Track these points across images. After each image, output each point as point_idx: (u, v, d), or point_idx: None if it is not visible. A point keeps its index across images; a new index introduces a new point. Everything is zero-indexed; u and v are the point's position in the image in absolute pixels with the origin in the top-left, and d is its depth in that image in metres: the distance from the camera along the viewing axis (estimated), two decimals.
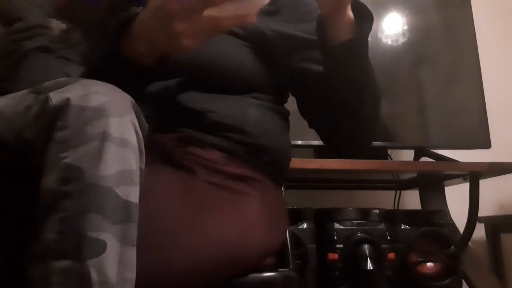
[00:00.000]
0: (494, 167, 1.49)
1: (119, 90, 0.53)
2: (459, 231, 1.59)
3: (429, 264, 1.49)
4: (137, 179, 0.49)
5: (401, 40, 1.73)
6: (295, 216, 1.42)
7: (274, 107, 0.79)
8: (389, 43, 1.72)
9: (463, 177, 1.63)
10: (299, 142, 1.55)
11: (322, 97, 0.78)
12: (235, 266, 0.64)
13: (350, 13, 0.70)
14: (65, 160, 0.45)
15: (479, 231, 1.87)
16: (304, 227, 1.42)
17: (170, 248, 0.56)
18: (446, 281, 1.45)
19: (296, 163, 1.41)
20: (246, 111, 0.73)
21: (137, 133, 0.50)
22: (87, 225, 0.43)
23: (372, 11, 0.74)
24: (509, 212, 2.01)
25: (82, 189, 0.44)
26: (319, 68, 0.77)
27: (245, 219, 0.65)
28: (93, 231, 0.44)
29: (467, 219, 1.57)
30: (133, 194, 0.47)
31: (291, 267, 0.79)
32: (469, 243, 1.61)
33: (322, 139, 0.87)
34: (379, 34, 1.72)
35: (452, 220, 1.58)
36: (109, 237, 0.44)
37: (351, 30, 0.71)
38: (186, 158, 0.65)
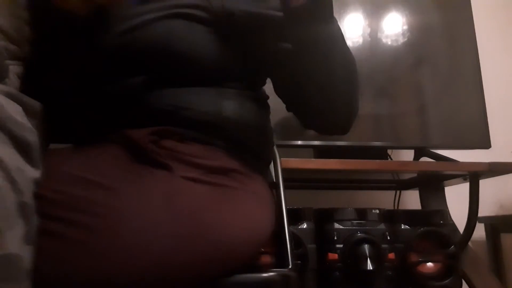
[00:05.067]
0: (494, 167, 1.49)
1: None
2: (459, 231, 1.59)
3: (429, 264, 1.49)
4: (2, 224, 0.40)
5: (401, 40, 1.73)
6: (295, 216, 1.42)
7: (251, 94, 0.77)
8: (389, 43, 1.72)
9: (463, 177, 1.62)
10: (299, 142, 1.55)
11: (295, 74, 0.77)
12: (220, 261, 0.63)
13: None
14: None
15: (479, 231, 1.87)
16: (304, 227, 1.42)
17: (142, 249, 0.54)
18: (446, 281, 1.45)
19: (296, 163, 1.41)
20: (222, 103, 0.71)
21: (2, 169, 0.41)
22: None
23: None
24: (509, 212, 2.01)
25: None
26: (289, 45, 0.76)
27: (224, 212, 0.64)
28: None
29: (467, 219, 1.57)
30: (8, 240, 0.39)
31: (291, 267, 0.79)
32: (469, 243, 1.61)
33: (299, 119, 0.85)
34: (379, 34, 1.72)
35: (452, 220, 1.58)
36: None
37: None
38: (162, 153, 0.63)
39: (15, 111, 0.45)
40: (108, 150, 0.63)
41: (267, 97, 0.83)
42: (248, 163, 0.72)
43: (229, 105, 0.71)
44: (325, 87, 0.75)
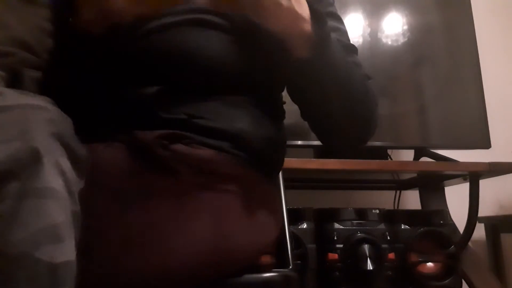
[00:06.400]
0: (494, 167, 1.49)
1: (37, 112, 0.44)
2: (459, 231, 1.59)
3: (429, 264, 1.49)
4: (65, 232, 0.42)
5: (401, 40, 1.73)
6: (295, 216, 1.42)
7: (266, 103, 0.76)
8: (389, 43, 1.72)
9: (463, 177, 1.63)
10: (299, 142, 1.55)
11: (300, 96, 0.77)
12: (220, 266, 0.63)
13: (305, 27, 0.67)
14: None
15: (479, 231, 1.87)
16: (304, 227, 1.42)
17: (144, 252, 0.55)
18: (446, 281, 1.46)
19: (296, 163, 1.41)
20: (236, 113, 0.70)
21: (63, 174, 0.43)
22: None
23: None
24: (509, 212, 2.01)
25: None
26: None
27: (230, 219, 0.64)
28: None
29: (467, 219, 1.57)
30: (60, 253, 0.41)
31: (291, 267, 0.79)
32: (469, 243, 1.61)
33: (312, 130, 0.84)
34: (379, 34, 1.72)
35: (452, 220, 1.58)
36: None
37: (308, 44, 0.68)
38: (171, 158, 0.62)
39: (69, 124, 0.47)
40: (114, 151, 0.63)
41: (284, 102, 0.82)
42: (257, 170, 0.71)
43: (242, 114, 0.70)
44: (327, 112, 0.75)
